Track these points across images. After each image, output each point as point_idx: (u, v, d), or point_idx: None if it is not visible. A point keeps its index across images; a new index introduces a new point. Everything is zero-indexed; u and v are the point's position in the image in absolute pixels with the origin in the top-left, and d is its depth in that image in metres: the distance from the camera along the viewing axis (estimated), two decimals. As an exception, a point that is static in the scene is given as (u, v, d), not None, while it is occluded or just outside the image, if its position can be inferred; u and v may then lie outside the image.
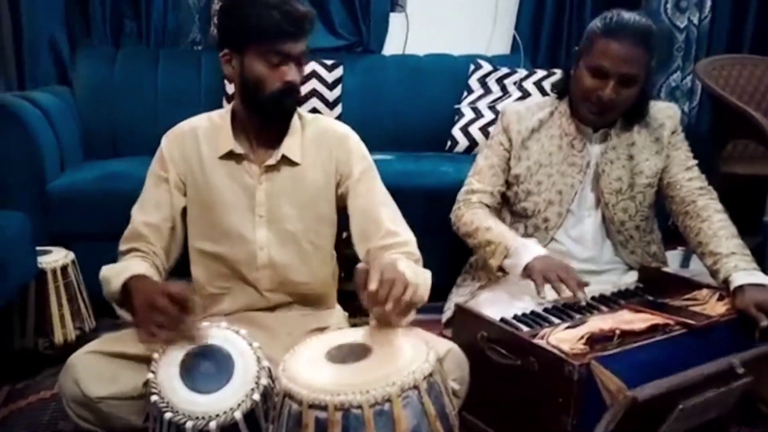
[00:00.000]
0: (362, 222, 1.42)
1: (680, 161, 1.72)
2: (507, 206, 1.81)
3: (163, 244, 1.40)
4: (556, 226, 1.72)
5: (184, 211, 1.44)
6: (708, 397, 1.26)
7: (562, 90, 1.74)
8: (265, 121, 1.41)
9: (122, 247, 1.40)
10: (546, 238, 1.72)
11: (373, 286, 1.03)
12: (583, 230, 1.73)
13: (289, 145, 1.41)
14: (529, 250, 1.59)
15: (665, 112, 1.74)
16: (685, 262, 2.53)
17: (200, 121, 1.47)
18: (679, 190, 1.70)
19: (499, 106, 2.67)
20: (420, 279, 1.25)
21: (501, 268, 1.64)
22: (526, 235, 1.72)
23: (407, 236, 1.41)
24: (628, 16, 1.59)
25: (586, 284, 1.55)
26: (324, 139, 1.45)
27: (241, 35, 1.33)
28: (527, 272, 1.56)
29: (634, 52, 1.54)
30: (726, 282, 1.49)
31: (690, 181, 1.70)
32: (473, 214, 1.72)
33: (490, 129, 2.66)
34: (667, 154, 1.72)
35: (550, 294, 1.52)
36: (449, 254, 1.90)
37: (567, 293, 1.51)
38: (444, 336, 1.56)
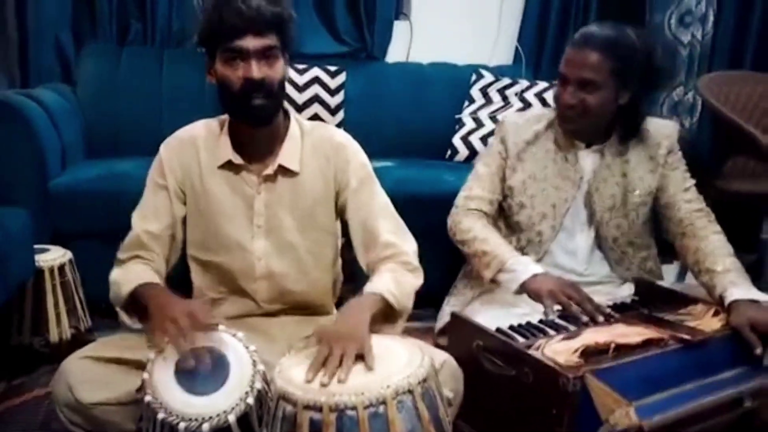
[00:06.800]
0: (362, 234, 1.40)
1: (678, 182, 1.71)
2: (502, 218, 1.80)
3: (163, 252, 1.39)
4: (550, 240, 1.71)
5: (184, 219, 1.42)
6: (711, 424, 1.27)
7: None
8: (249, 126, 1.37)
9: (123, 255, 1.38)
10: (539, 251, 1.71)
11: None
12: (577, 245, 1.73)
13: (286, 154, 1.39)
14: (526, 267, 1.57)
15: (662, 131, 1.73)
16: (681, 276, 2.54)
17: (198, 129, 1.45)
18: (677, 211, 1.70)
19: (500, 116, 2.68)
20: (400, 291, 1.27)
21: (493, 281, 1.63)
22: (519, 247, 1.71)
23: (406, 247, 1.38)
24: (595, 27, 1.63)
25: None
26: (322, 148, 1.43)
27: (207, 42, 1.34)
28: (528, 290, 1.54)
29: (589, 56, 1.56)
30: (721, 298, 1.49)
31: (689, 203, 1.69)
32: (472, 222, 1.71)
33: (491, 139, 2.67)
34: (664, 174, 1.71)
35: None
36: (447, 262, 1.91)
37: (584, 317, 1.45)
38: (438, 344, 1.56)
